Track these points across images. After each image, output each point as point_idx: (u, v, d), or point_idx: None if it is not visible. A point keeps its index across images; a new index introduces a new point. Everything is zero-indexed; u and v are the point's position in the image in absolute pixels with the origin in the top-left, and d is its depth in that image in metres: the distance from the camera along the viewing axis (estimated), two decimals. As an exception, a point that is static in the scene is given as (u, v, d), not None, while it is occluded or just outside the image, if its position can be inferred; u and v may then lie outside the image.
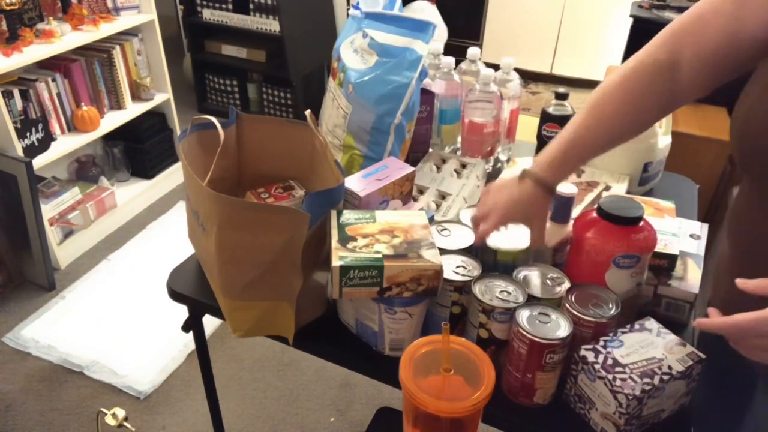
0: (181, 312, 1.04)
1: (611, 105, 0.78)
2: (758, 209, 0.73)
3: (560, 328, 0.73)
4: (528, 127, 1.56)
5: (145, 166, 2.70)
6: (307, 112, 0.94)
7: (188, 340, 1.96)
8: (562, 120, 1.24)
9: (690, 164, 1.34)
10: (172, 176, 2.82)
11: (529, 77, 4.04)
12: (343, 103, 1.11)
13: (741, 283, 0.61)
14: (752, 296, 0.60)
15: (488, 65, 1.23)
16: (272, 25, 3.03)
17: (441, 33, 3.55)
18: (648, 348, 0.75)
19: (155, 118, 2.70)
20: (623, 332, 0.77)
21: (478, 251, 0.88)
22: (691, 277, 0.91)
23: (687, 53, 0.73)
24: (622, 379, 0.70)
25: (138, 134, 2.62)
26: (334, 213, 0.85)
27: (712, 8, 0.71)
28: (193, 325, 1.06)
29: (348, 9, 2.11)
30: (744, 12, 0.67)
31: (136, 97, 2.59)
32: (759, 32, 0.67)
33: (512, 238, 0.88)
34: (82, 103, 2.32)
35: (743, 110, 0.70)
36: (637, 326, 0.78)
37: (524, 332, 0.72)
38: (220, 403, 1.27)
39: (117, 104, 2.51)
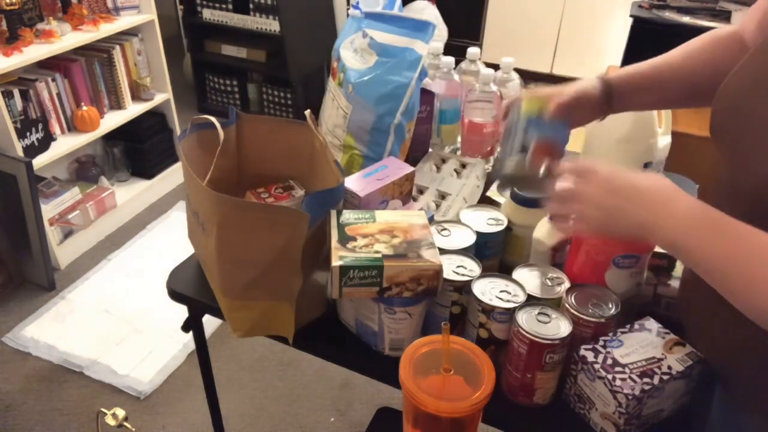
0: (181, 312, 1.04)
1: (694, 50, 0.83)
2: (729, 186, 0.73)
3: (560, 328, 0.73)
4: (528, 127, 1.56)
5: (145, 166, 2.70)
6: (307, 112, 0.94)
7: (188, 340, 1.96)
8: (562, 120, 1.24)
9: (690, 164, 1.34)
10: (172, 176, 2.82)
11: (529, 77, 4.04)
12: (343, 103, 1.11)
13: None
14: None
15: (488, 65, 1.23)
16: (272, 25, 3.03)
17: (441, 33, 3.54)
18: (648, 348, 0.74)
19: (155, 118, 2.70)
20: (623, 332, 0.77)
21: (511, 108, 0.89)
22: (691, 277, 0.91)
23: (749, 23, 0.78)
24: (622, 379, 0.70)
25: (138, 134, 2.62)
26: (333, 213, 0.85)
27: None
28: (193, 325, 1.06)
29: (348, 9, 2.11)
30: None
31: (136, 97, 2.59)
32: None
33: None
34: (82, 103, 2.32)
35: (721, 85, 0.71)
36: (636, 326, 0.78)
37: (524, 332, 0.72)
38: (220, 403, 1.27)
39: (117, 104, 2.51)
